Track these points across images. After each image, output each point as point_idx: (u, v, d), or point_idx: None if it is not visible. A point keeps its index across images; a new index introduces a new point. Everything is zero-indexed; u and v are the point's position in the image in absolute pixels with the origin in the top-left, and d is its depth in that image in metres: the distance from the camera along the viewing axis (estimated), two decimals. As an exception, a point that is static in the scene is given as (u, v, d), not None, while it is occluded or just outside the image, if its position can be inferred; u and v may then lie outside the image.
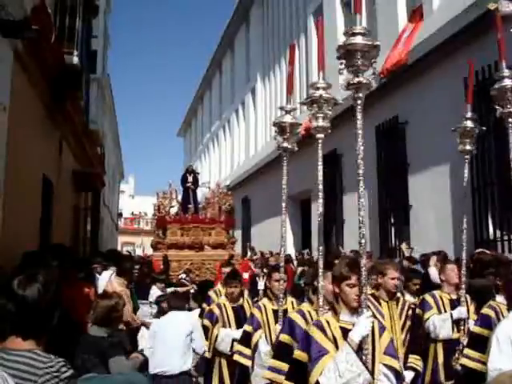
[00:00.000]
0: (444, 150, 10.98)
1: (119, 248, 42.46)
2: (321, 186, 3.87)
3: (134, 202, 60.54)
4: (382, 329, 3.43)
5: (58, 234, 10.67)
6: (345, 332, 3.19)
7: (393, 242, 13.23)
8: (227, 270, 7.37)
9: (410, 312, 5.04)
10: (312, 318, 4.03)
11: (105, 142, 25.68)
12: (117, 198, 44.66)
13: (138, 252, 38.53)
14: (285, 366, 3.82)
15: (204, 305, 7.30)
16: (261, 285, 10.89)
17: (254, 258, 17.30)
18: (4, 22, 5.82)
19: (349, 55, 3.09)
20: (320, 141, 3.91)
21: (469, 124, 5.26)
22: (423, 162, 11.74)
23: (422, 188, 11.89)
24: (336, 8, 17.47)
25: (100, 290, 6.99)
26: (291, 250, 19.99)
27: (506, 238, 9.44)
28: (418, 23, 12.90)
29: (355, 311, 3.24)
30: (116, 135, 38.43)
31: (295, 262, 15.24)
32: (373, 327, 3.19)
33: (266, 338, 4.96)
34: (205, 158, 41.20)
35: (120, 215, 47.39)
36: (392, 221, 13.36)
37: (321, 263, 3.86)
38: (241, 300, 6.19)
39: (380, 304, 4.88)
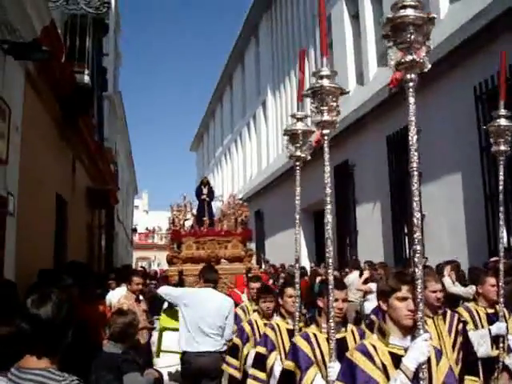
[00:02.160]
0: (456, 159, 10.97)
1: (134, 263, 42.60)
2: (329, 190, 3.44)
3: (148, 217, 60.79)
4: (439, 353, 2.95)
5: (72, 251, 10.75)
6: (396, 358, 2.71)
7: (407, 251, 13.16)
8: (257, 285, 6.69)
9: (461, 326, 4.52)
10: (318, 342, 3.61)
11: (118, 158, 25.86)
12: (131, 213, 44.86)
13: (154, 267, 38.60)
14: None
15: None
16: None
17: (268, 270, 17.30)
18: (15, 45, 5.91)
19: (398, 30, 2.71)
20: (326, 137, 3.42)
21: (502, 122, 4.63)
22: (436, 170, 11.70)
23: (434, 197, 11.83)
24: (344, 20, 17.54)
25: (112, 308, 7.03)
26: (306, 263, 19.95)
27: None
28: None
29: (408, 332, 2.77)
30: (129, 151, 38.67)
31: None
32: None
33: (281, 360, 4.53)
34: (217, 171, 41.33)
35: (134, 230, 47.53)
36: (405, 230, 13.30)
37: (331, 278, 3.39)
38: (274, 317, 5.49)
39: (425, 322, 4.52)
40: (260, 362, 4.74)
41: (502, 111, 4.42)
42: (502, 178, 4.86)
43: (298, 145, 4.24)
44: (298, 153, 4.28)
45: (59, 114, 9.29)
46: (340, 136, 16.60)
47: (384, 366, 2.72)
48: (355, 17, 17.07)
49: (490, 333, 4.90)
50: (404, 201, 13.25)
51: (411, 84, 2.86)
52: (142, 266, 28.53)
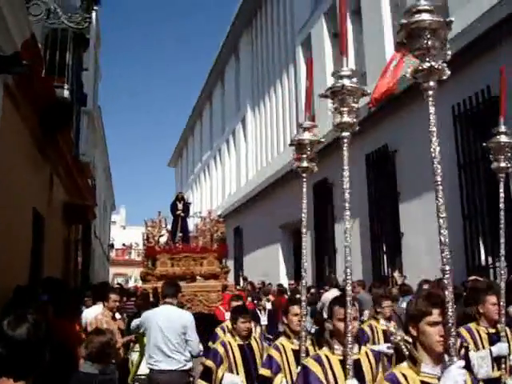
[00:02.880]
0: (434, 178, 11.06)
1: (110, 279, 42.15)
2: (348, 194, 3.25)
3: (126, 232, 60.26)
4: (476, 382, 2.80)
5: (48, 266, 10.58)
6: None
7: (385, 270, 13.20)
8: (239, 303, 6.62)
9: (463, 351, 4.40)
10: (330, 364, 3.31)
11: (96, 173, 25.66)
12: (108, 229, 44.47)
13: (131, 284, 38.22)
14: None
15: (210, 343, 6.48)
16: (264, 320, 10.55)
17: (245, 287, 17.18)
18: (-6, 58, 5.85)
19: (414, 36, 2.61)
20: (345, 140, 3.26)
21: (503, 139, 4.50)
22: (413, 190, 11.80)
23: (412, 216, 11.92)
24: (324, 39, 17.70)
25: (87, 326, 6.93)
26: (284, 280, 19.92)
27: (497, 264, 9.44)
28: (405, 53, 13.06)
29: (440, 359, 2.62)
30: (107, 166, 38.44)
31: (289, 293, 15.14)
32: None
33: (286, 383, 4.36)
34: (196, 187, 41.24)
35: (111, 246, 47.10)
36: (384, 249, 13.35)
37: (349, 299, 3.16)
38: (250, 338, 5.44)
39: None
40: None
41: (502, 128, 4.39)
42: (502, 195, 4.76)
43: (305, 155, 4.12)
44: (305, 164, 4.14)
45: (38, 129, 9.19)
46: (319, 154, 16.65)
47: None
48: (335, 35, 17.24)
49: (491, 353, 4.76)
50: (383, 219, 13.32)
51: (430, 93, 2.76)
52: (118, 283, 28.17)
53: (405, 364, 2.74)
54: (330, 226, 16.20)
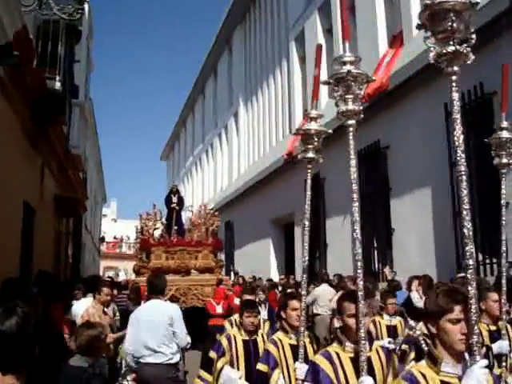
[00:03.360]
0: (425, 175, 11.09)
1: (101, 273, 42.07)
2: (355, 186, 3.19)
3: (117, 226, 60.13)
4: (498, 381, 2.72)
5: (39, 259, 10.55)
6: None
7: (376, 265, 13.24)
8: (251, 297, 6.39)
9: None
10: (341, 362, 3.20)
11: (87, 166, 25.57)
12: (99, 222, 44.33)
13: (121, 277, 38.15)
14: None
15: (217, 335, 6.47)
16: (264, 314, 10.54)
17: (236, 282, 17.15)
18: (-14, 49, 5.80)
19: (437, 18, 2.45)
20: (351, 129, 3.17)
21: (504, 134, 4.41)
22: (405, 186, 11.83)
23: (404, 212, 11.95)
24: (317, 34, 17.68)
25: (77, 318, 6.90)
26: (275, 275, 19.96)
27: (488, 261, 9.50)
28: (398, 48, 13.09)
29: (461, 358, 2.52)
30: (98, 159, 38.27)
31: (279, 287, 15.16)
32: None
33: (283, 378, 4.30)
34: (188, 181, 41.17)
35: (102, 240, 46.97)
36: (375, 245, 13.39)
37: (360, 293, 3.11)
38: (257, 333, 5.28)
39: None
40: (261, 381, 4.38)
41: (504, 123, 4.33)
42: (504, 191, 4.64)
43: (311, 146, 3.92)
44: (311, 154, 3.94)
45: (29, 120, 9.14)
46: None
47: None
48: (329, 31, 17.23)
49: (491, 351, 4.67)
50: (374, 215, 13.35)
51: (454, 78, 2.58)
52: (108, 276, 28.10)
53: (423, 362, 2.63)
54: (322, 222, 16.21)
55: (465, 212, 2.47)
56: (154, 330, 5.73)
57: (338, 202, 15.01)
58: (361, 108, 3.10)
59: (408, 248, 11.64)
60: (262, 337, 5.23)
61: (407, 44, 12.49)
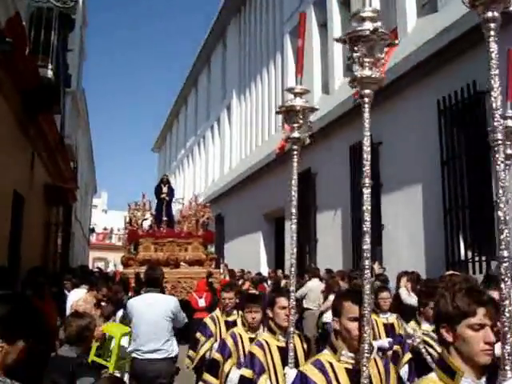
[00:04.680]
0: (417, 171, 11.12)
1: (90, 263, 41.98)
2: (367, 167, 2.68)
3: (107, 216, 60.02)
4: None
5: (27, 248, 10.50)
6: None
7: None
8: (229, 295, 5.99)
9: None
10: (335, 373, 2.72)
11: (78, 156, 25.46)
12: (89, 212, 44.21)
13: (111, 268, 38.08)
14: None
15: (198, 334, 5.91)
16: None
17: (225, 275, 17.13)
18: (-23, 35, 5.75)
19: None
20: (367, 99, 2.81)
21: (510, 123, 4.10)
22: (396, 182, 11.84)
23: (394, 208, 11.98)
24: (312, 29, 17.63)
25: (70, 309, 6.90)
26: (264, 269, 19.96)
27: (477, 259, 9.54)
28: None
29: (484, 371, 2.08)
30: (90, 149, 38.14)
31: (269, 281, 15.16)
32: None
33: None
34: (179, 173, 41.08)
35: (92, 230, 46.84)
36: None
37: (367, 292, 2.59)
38: (260, 330, 4.72)
39: None
40: None
41: (509, 112, 4.25)
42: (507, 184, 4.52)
43: (297, 124, 3.51)
44: (296, 134, 3.54)
45: (20, 108, 9.07)
46: (303, 144, 16.65)
47: None
48: (323, 26, 17.19)
49: None
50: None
51: (492, 25, 2.29)
52: (97, 267, 28.05)
53: (433, 376, 2.14)
54: (313, 217, 16.22)
55: (501, 205, 2.14)
56: (156, 324, 5.71)
57: (328, 198, 15.03)
58: (382, 76, 2.74)
59: (398, 244, 11.67)
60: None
61: (401, 41, 12.49)
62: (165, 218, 15.48)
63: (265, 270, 19.54)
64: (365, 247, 2.58)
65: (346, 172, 13.85)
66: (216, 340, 5.52)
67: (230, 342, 4.61)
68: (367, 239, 2.59)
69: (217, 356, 4.62)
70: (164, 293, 7.14)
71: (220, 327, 5.81)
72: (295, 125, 3.50)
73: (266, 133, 22.80)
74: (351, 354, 2.70)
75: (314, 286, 11.31)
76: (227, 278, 14.87)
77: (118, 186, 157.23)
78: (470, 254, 9.70)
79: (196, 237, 14.88)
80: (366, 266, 2.58)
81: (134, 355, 5.73)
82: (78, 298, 7.26)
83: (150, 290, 6.00)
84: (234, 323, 5.72)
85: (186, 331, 9.32)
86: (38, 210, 12.76)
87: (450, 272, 8.44)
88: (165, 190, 15.98)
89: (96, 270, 21.90)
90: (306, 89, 3.48)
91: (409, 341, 4.47)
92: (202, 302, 11.07)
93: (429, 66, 10.80)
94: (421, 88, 11.17)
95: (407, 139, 11.49)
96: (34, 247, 12.12)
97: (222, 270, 18.96)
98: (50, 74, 9.98)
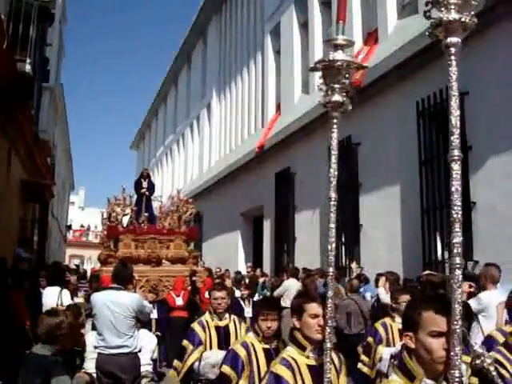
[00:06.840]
0: (395, 172, 11.19)
1: (67, 261, 41.58)
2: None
3: (84, 213, 59.54)
4: None
5: (3, 244, 10.36)
6: None
7: (343, 261, 13.32)
8: (221, 294, 5.34)
9: None
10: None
11: (55, 152, 25.21)
12: (66, 209, 43.80)
13: (87, 266, 37.78)
14: None
15: (185, 342, 5.25)
16: (248, 312, 10.14)
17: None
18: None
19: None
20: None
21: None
22: (375, 182, 11.91)
23: (372, 208, 12.04)
24: (293, 28, 17.65)
25: (48, 307, 6.82)
26: (242, 267, 19.95)
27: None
28: (372, 46, 13.15)
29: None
30: (67, 146, 37.79)
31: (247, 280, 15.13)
32: None
33: None
34: (158, 171, 40.86)
35: (69, 227, 46.40)
36: (343, 240, 13.46)
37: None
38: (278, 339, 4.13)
39: None
40: None
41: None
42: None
43: (338, 86, 2.83)
44: (337, 97, 2.85)
45: (-4, 103, 8.95)
46: (282, 143, 16.70)
47: None
48: (304, 25, 17.22)
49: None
50: (343, 210, 13.42)
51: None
52: (75, 264, 27.78)
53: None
54: (291, 215, 16.25)
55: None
56: (119, 320, 5.59)
57: (307, 196, 15.06)
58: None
59: (375, 244, 11.73)
60: (284, 342, 3.87)
61: (382, 42, 12.56)
62: (145, 214, 14.85)
63: (243, 269, 19.52)
64: (456, 240, 2.05)
65: (324, 171, 13.88)
66: (206, 349, 5.04)
67: (243, 353, 3.94)
68: (458, 229, 2.06)
69: (228, 371, 3.94)
70: (135, 291, 7.01)
71: (210, 334, 5.16)
72: (336, 86, 2.84)
73: (246, 132, 22.79)
74: (430, 382, 2.09)
75: (292, 284, 11.32)
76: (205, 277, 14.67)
77: (95, 184, 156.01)
78: (446, 255, 9.79)
79: (179, 233, 14.31)
80: (457, 265, 2.03)
81: (98, 351, 5.63)
82: (50, 295, 7.17)
83: (113, 287, 5.83)
84: (227, 329, 5.22)
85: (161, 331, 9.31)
86: (14, 205, 12.62)
87: (427, 272, 8.52)
88: (145, 184, 15.37)
89: (74, 266, 21.74)
90: (351, 40, 2.89)
91: (477, 361, 3.91)
92: (179, 301, 10.90)
93: (409, 67, 10.88)
94: (401, 89, 11.25)
95: (386, 140, 11.57)
96: (10, 244, 11.96)
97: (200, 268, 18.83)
98: (28, 68, 9.87)
